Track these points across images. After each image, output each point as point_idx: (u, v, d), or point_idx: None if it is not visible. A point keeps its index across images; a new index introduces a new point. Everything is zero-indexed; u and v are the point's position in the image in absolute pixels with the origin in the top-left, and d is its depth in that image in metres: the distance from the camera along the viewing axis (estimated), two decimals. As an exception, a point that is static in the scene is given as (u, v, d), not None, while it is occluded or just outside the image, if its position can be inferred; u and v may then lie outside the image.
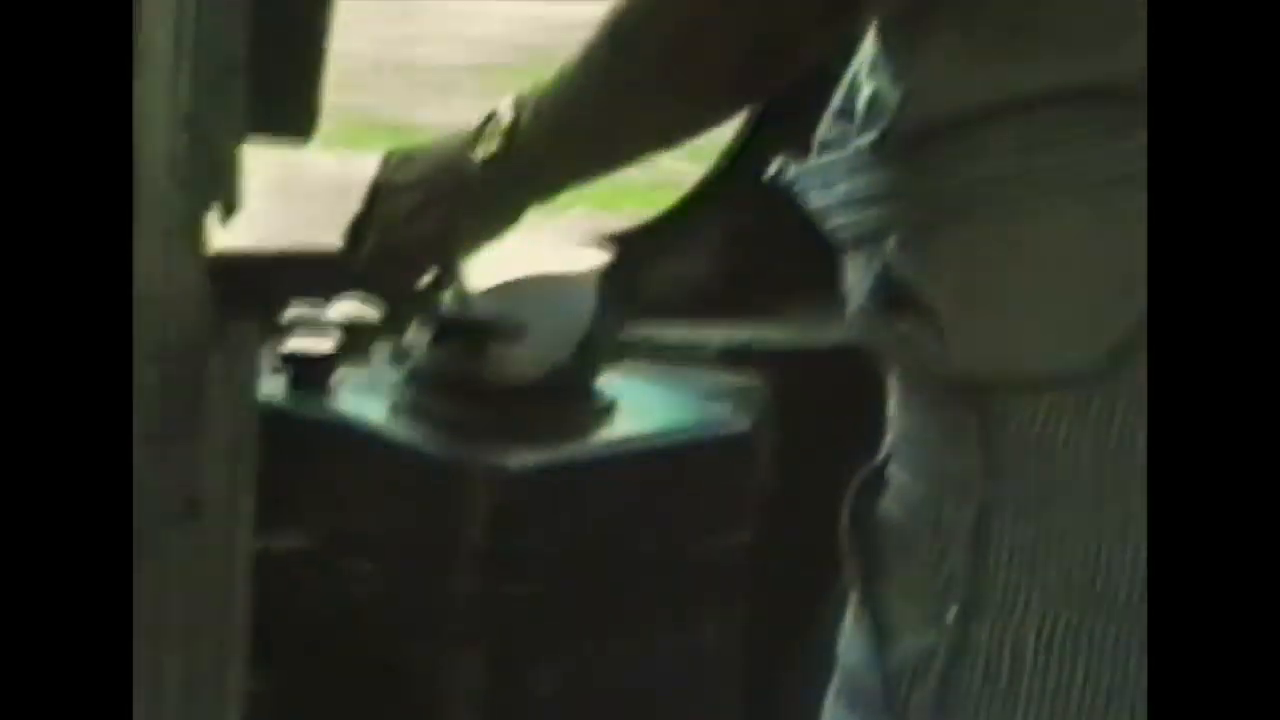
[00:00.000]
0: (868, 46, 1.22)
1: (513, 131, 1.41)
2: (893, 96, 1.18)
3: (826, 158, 1.23)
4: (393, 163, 1.59)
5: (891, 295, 1.18)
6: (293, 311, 1.79)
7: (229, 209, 1.36)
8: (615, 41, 1.27)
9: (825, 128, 1.25)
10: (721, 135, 2.16)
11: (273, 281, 1.85)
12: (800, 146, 1.26)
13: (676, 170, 2.08)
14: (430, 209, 1.52)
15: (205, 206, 1.33)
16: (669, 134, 1.33)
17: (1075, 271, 1.13)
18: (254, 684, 1.51)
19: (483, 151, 1.44)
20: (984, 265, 1.15)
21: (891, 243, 1.17)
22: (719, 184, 2.24)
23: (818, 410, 1.95)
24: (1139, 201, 1.09)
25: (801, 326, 2.15)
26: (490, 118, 1.44)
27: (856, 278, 1.22)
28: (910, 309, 1.17)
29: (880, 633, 1.21)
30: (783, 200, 2.15)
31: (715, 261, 2.23)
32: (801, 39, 1.20)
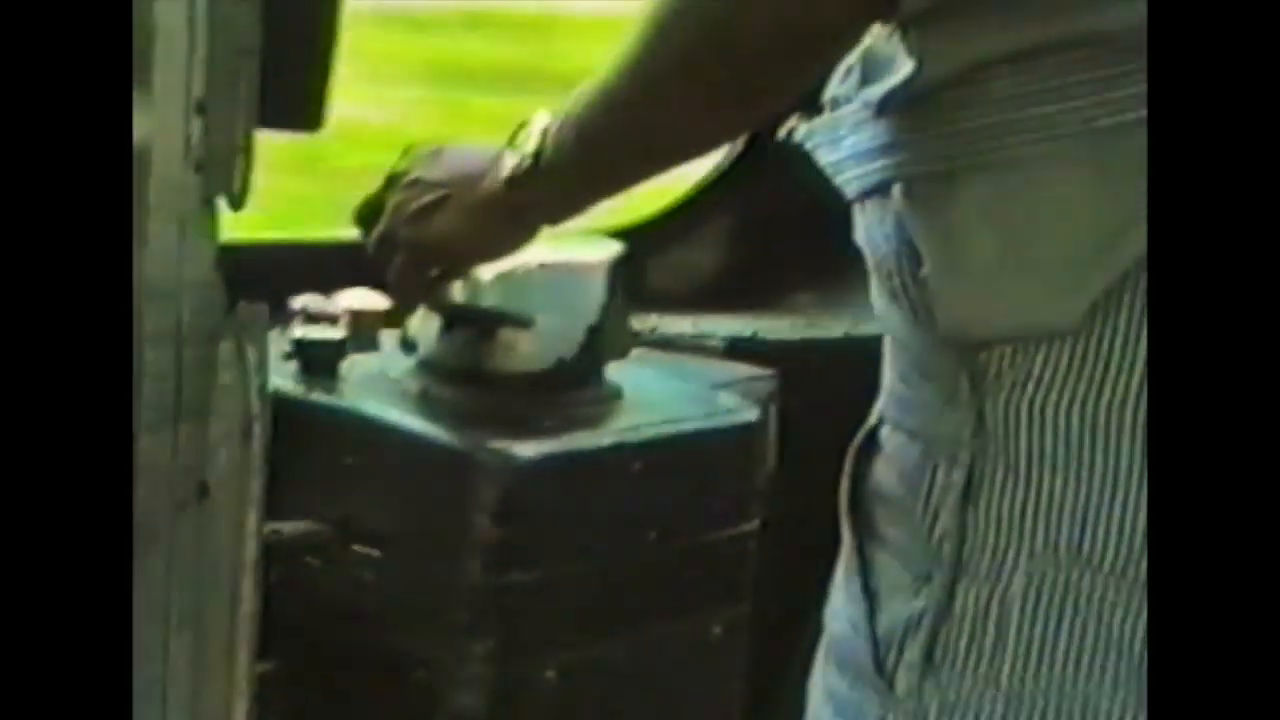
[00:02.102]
0: None
1: (540, 151, 1.42)
2: (898, 53, 1.19)
3: (835, 113, 1.25)
4: (417, 155, 1.59)
5: (896, 248, 1.20)
6: (302, 299, 1.79)
7: (241, 195, 1.36)
8: (648, 45, 1.27)
9: (834, 85, 1.27)
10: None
11: (283, 269, 1.86)
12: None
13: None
14: (446, 210, 1.53)
15: (218, 193, 1.33)
16: (700, 139, 1.34)
17: (1061, 222, 1.15)
18: (262, 669, 1.51)
19: (510, 168, 1.45)
20: (977, 217, 1.17)
21: (897, 193, 1.19)
22: (727, 177, 2.24)
23: (825, 401, 1.95)
24: (1130, 151, 1.10)
25: (808, 318, 2.16)
26: (520, 129, 1.44)
27: (867, 231, 1.24)
28: (913, 261, 1.19)
29: (869, 597, 1.23)
30: (789, 193, 2.16)
31: (722, 254, 2.24)
32: (839, 30, 1.21)
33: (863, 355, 2.00)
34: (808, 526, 1.83)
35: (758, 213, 2.24)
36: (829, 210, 1.38)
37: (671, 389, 1.82)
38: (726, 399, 1.82)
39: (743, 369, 1.94)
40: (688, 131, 1.32)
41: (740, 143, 2.24)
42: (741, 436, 1.78)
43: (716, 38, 1.23)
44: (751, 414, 1.79)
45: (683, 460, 1.73)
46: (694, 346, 2.02)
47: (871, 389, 1.46)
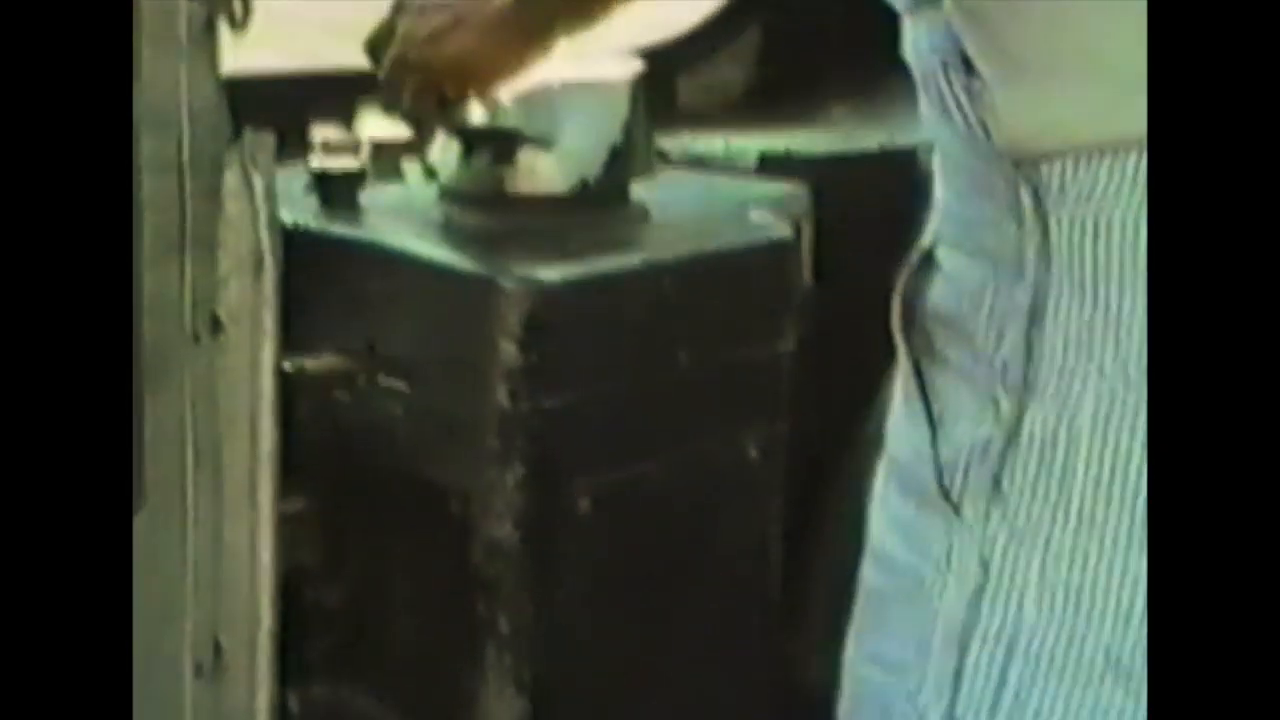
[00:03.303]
0: None
1: None
2: None
3: None
4: None
5: (948, 60, 1.16)
6: (320, 130, 1.75)
7: (243, 19, 1.32)
8: None
9: None
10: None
11: (299, 99, 1.83)
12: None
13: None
14: (458, 30, 1.49)
15: (218, 16, 1.29)
16: None
17: (1124, 31, 1.10)
18: (290, 505, 1.49)
19: None
20: (1034, 26, 1.12)
21: (948, 3, 1.15)
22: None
23: (861, 215, 1.91)
24: None
25: (842, 131, 2.11)
26: None
27: (915, 43, 1.19)
28: (967, 73, 1.15)
29: (932, 421, 1.19)
30: (818, 5, 2.11)
31: (753, 69, 2.19)
32: None
33: (899, 167, 1.97)
34: (845, 344, 1.81)
35: (787, 27, 2.19)
36: (859, 22, 1.34)
37: (702, 207, 1.79)
38: (759, 216, 1.78)
39: (776, 185, 1.90)
40: None
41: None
42: (774, 253, 1.74)
43: None
44: (785, 230, 1.76)
45: (714, 279, 1.70)
46: (725, 164, 1.98)
47: (908, 202, 1.42)
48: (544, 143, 1.66)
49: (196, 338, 1.26)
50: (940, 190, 1.22)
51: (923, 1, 1.17)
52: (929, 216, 1.25)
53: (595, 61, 1.71)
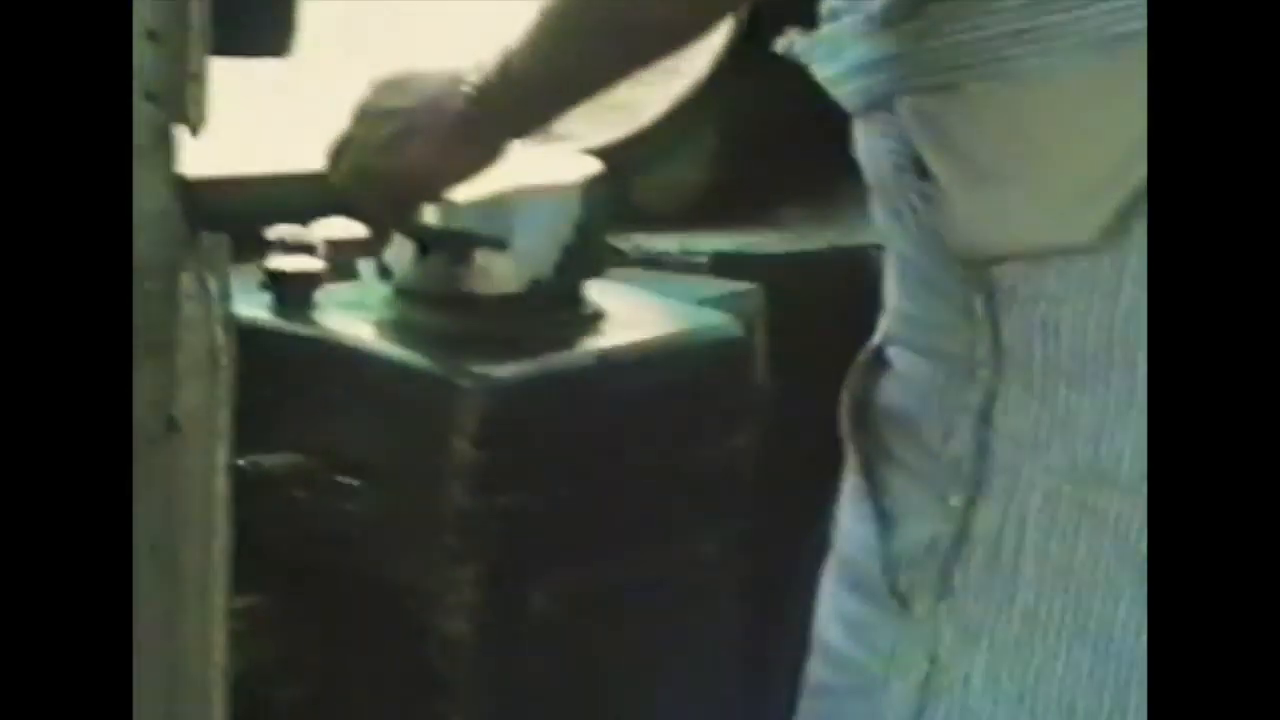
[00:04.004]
0: None
1: (506, 62, 1.40)
2: None
3: (834, 25, 1.22)
4: (379, 85, 1.57)
5: (900, 163, 1.17)
6: (277, 230, 1.77)
7: (197, 123, 1.34)
8: None
9: None
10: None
11: (256, 201, 1.84)
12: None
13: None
14: (412, 138, 1.51)
15: (173, 121, 1.31)
16: (669, 27, 1.32)
17: (1078, 136, 1.13)
18: (243, 604, 1.49)
19: (473, 82, 1.43)
20: (987, 131, 1.14)
21: (901, 107, 1.17)
22: (708, 93, 2.22)
23: (813, 314, 1.93)
24: (1143, 61, 1.08)
25: (794, 232, 2.13)
26: (485, 51, 1.42)
27: (868, 146, 1.21)
28: (920, 177, 1.17)
29: (882, 518, 1.21)
30: (772, 107, 2.14)
31: (706, 170, 2.21)
32: None
33: (850, 267, 1.99)
34: (800, 441, 1.82)
35: (741, 128, 2.21)
36: (812, 123, 1.36)
37: (655, 306, 1.80)
38: (712, 315, 1.80)
39: (729, 284, 1.92)
40: (661, 20, 1.30)
41: (721, 58, 2.21)
42: (728, 352, 1.76)
43: None
44: (738, 329, 1.77)
45: (669, 378, 1.71)
46: (679, 263, 2.00)
47: (859, 301, 1.43)
48: (498, 243, 1.67)
49: (152, 440, 1.27)
50: (892, 290, 1.24)
51: (875, 105, 1.19)
52: (880, 316, 1.27)
53: (549, 163, 1.72)
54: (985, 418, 1.17)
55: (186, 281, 1.29)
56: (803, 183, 2.17)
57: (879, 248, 1.45)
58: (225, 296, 1.31)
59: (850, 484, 1.27)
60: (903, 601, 1.19)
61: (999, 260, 1.15)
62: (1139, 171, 1.11)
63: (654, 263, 1.98)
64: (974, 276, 1.16)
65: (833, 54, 1.23)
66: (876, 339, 1.27)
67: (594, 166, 1.75)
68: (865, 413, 1.26)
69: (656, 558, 1.71)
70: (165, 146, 1.30)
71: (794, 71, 1.27)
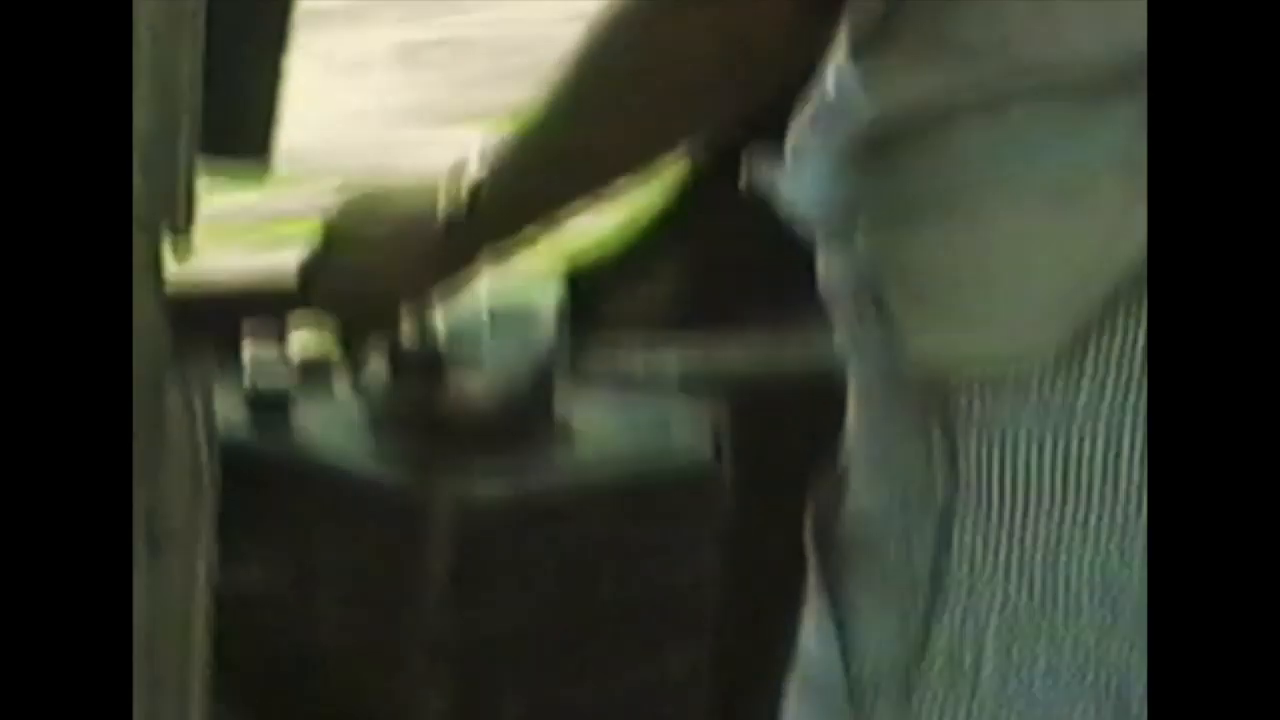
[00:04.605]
0: (837, 52, 1.23)
1: (479, 185, 1.42)
2: (860, 100, 1.19)
3: (798, 162, 1.25)
4: (349, 208, 1.58)
5: (857, 291, 1.20)
6: (252, 347, 1.78)
7: (186, 244, 1.35)
8: (582, 66, 1.28)
9: (796, 133, 1.27)
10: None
11: (230, 314, 1.85)
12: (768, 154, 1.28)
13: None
14: (389, 269, 1.52)
15: (162, 241, 1.32)
16: (641, 157, 1.34)
17: (1032, 271, 1.16)
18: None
19: (447, 208, 1.45)
20: (943, 265, 1.17)
21: (859, 239, 1.19)
22: (677, 212, 2.24)
23: (783, 433, 1.94)
24: (1099, 199, 1.11)
25: (763, 350, 2.15)
26: (456, 171, 1.44)
27: (829, 272, 1.24)
28: (875, 305, 1.19)
29: (844, 638, 1.22)
30: (741, 227, 2.15)
31: (674, 288, 2.23)
32: (775, 49, 1.22)
33: (820, 387, 2.00)
34: (768, 562, 1.83)
35: (709, 248, 2.23)
36: (783, 243, 1.37)
37: (625, 425, 1.81)
38: (681, 434, 1.81)
39: (697, 404, 1.93)
40: (628, 149, 1.32)
41: (688, 176, 2.23)
42: (697, 473, 1.77)
43: (652, 61, 1.23)
44: (707, 449, 1.79)
45: (639, 498, 1.72)
46: (647, 381, 2.01)
47: (828, 420, 1.45)
48: (471, 363, 1.68)
49: (135, 559, 1.28)
50: (852, 413, 1.26)
51: (834, 234, 1.22)
52: (843, 438, 1.29)
53: (520, 284, 1.74)
54: (941, 540, 1.18)
55: (172, 401, 1.30)
56: (770, 302, 2.19)
57: (844, 370, 1.47)
58: (210, 416, 1.32)
59: (812, 604, 1.28)
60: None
61: (954, 385, 1.18)
62: (1092, 298, 1.13)
63: (623, 381, 1.99)
64: (930, 400, 1.18)
65: (795, 188, 1.25)
66: (841, 460, 1.29)
67: (563, 286, 1.77)
68: (828, 531, 1.27)
69: (627, 677, 1.71)
70: (155, 267, 1.31)
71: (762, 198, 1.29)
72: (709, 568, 1.75)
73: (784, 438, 1.94)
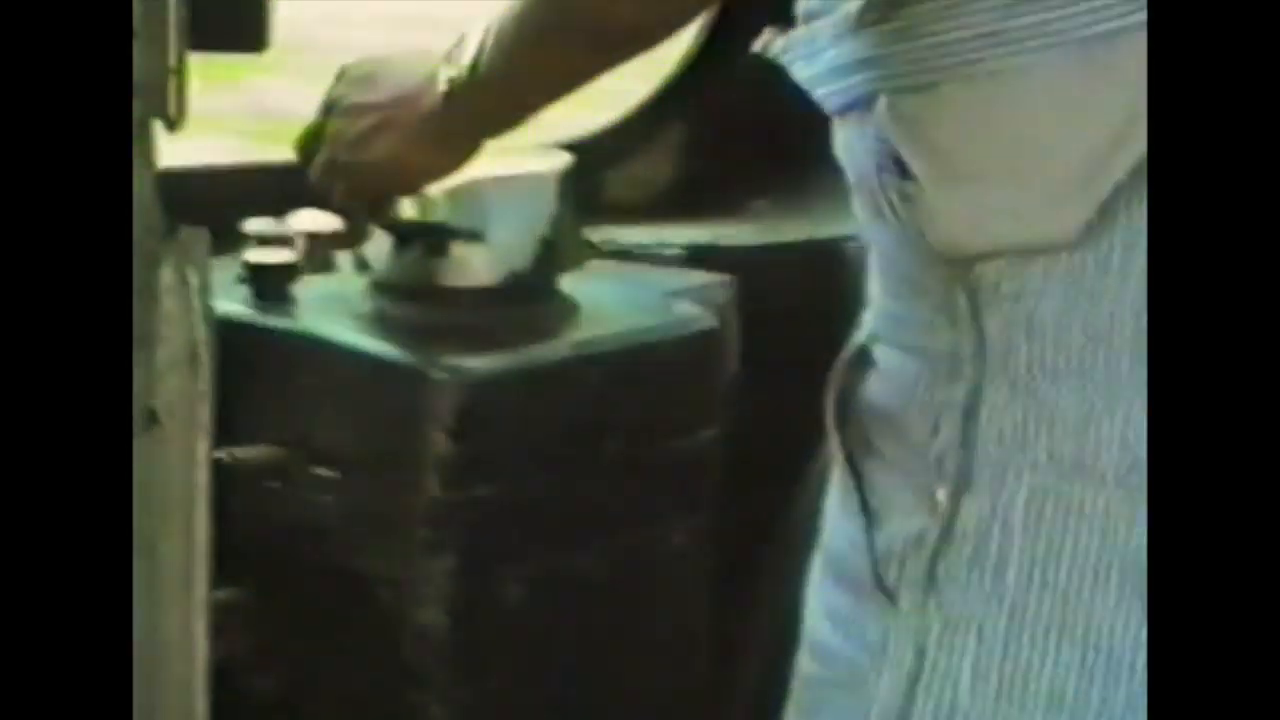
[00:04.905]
0: None
1: (477, 59, 1.40)
2: None
3: (811, 26, 1.23)
4: (351, 77, 1.58)
5: (880, 162, 1.18)
6: (253, 223, 1.78)
7: (178, 118, 1.34)
8: None
9: None
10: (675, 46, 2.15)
11: (227, 192, 1.85)
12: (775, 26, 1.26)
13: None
14: (386, 133, 1.51)
15: (151, 116, 1.32)
16: (642, 23, 1.32)
17: (1056, 133, 1.13)
18: (221, 595, 1.50)
19: (445, 79, 1.43)
20: (966, 129, 1.15)
21: (880, 107, 1.17)
22: (679, 86, 2.23)
23: (785, 306, 1.94)
24: (1123, 56, 1.09)
25: (766, 224, 2.15)
26: (458, 43, 1.43)
27: (848, 145, 1.21)
28: (900, 176, 1.17)
29: (868, 513, 1.21)
30: (743, 101, 2.15)
31: (678, 163, 2.23)
32: None
33: (822, 259, 2.00)
34: (769, 433, 1.83)
35: (712, 121, 2.22)
36: (783, 116, 1.36)
37: (628, 299, 1.81)
38: (684, 307, 1.81)
39: (701, 276, 1.93)
40: (628, 18, 1.30)
41: (692, 51, 2.22)
42: (700, 344, 1.77)
43: None
44: (710, 321, 1.78)
45: (641, 369, 1.72)
46: (651, 256, 2.01)
47: (830, 292, 1.45)
48: (474, 236, 1.68)
49: (133, 433, 1.28)
50: (874, 287, 1.24)
51: (854, 105, 1.19)
52: (862, 311, 1.27)
53: (522, 156, 1.73)
54: (970, 414, 1.17)
55: (166, 276, 1.30)
56: (773, 175, 2.18)
57: (851, 240, 1.46)
58: (205, 291, 1.32)
59: (835, 480, 1.27)
60: (890, 596, 1.19)
61: (981, 258, 1.15)
62: (1119, 167, 1.11)
63: (626, 255, 1.99)
64: (956, 274, 1.16)
65: (810, 55, 1.22)
66: (860, 336, 1.27)
67: (567, 160, 1.76)
68: (849, 409, 1.26)
69: (628, 546, 1.72)
70: (145, 140, 1.31)
71: (764, 67, 1.27)
72: (711, 438, 1.75)
73: (789, 309, 1.95)
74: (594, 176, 2.06)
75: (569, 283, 1.76)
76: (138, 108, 1.28)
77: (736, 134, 2.21)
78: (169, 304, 1.30)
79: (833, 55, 1.20)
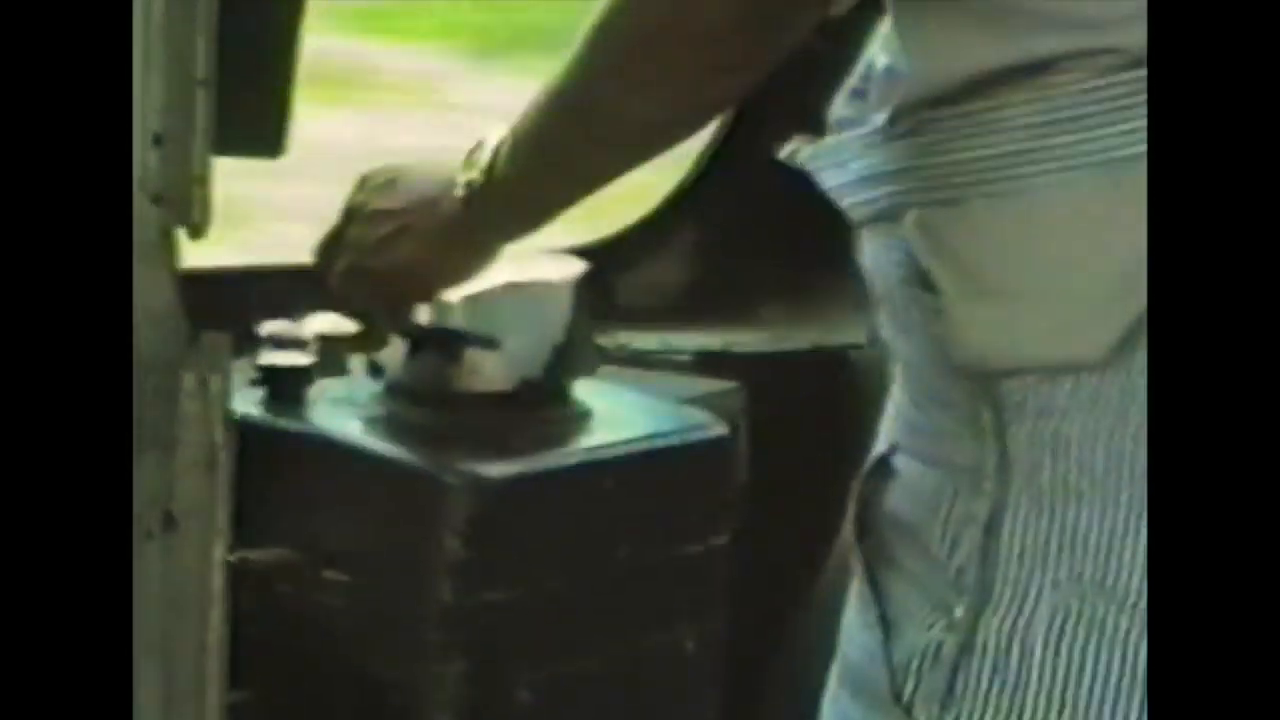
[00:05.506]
0: (883, 23, 1.21)
1: (494, 165, 1.41)
2: (905, 72, 1.16)
3: (841, 136, 1.22)
4: (371, 184, 1.59)
5: (906, 275, 1.17)
6: (269, 325, 1.79)
7: (201, 225, 1.36)
8: (595, 38, 1.27)
9: (839, 106, 1.23)
10: (691, 146, 2.17)
11: (246, 295, 1.86)
12: (789, 137, 1.26)
13: (646, 184, 2.08)
14: (406, 239, 1.52)
15: (177, 223, 1.33)
16: (658, 127, 1.32)
17: (1087, 253, 1.12)
18: (233, 698, 1.51)
19: (464, 184, 1.44)
20: (994, 246, 1.13)
21: (908, 220, 1.16)
22: (691, 192, 2.25)
23: (795, 413, 1.95)
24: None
25: (776, 331, 2.16)
26: (476, 148, 1.44)
27: (874, 256, 1.20)
28: (925, 290, 1.16)
29: (887, 625, 1.20)
30: (755, 207, 2.17)
31: (689, 269, 2.24)
32: (788, 13, 1.20)
33: (831, 367, 2.01)
34: (779, 539, 1.84)
35: (723, 227, 2.24)
36: (795, 222, 1.38)
37: (641, 405, 1.82)
38: (696, 413, 1.82)
39: (712, 383, 1.94)
40: (644, 119, 1.30)
41: (704, 157, 2.24)
42: (712, 451, 1.78)
43: (674, 12, 1.21)
44: (721, 428, 1.79)
45: (653, 476, 1.73)
46: (663, 361, 2.02)
47: (840, 400, 1.46)
48: (489, 343, 1.69)
49: (150, 534, 1.29)
50: (898, 397, 1.23)
51: (881, 216, 1.19)
52: (878, 420, 1.26)
53: (537, 263, 1.75)
54: (991, 530, 1.15)
55: (187, 380, 1.32)
56: (784, 282, 2.19)
57: (859, 348, 1.47)
58: (225, 395, 1.33)
59: (854, 590, 1.26)
60: (907, 710, 1.18)
61: (1007, 374, 1.15)
62: (1145, 290, 1.11)
63: (638, 361, 2.00)
64: (981, 390, 1.15)
65: (838, 164, 1.21)
66: (881, 445, 1.26)
67: (581, 266, 1.77)
68: (869, 520, 1.25)
69: (637, 652, 1.72)
70: (168, 247, 1.32)
71: (775, 172, 1.27)
72: (721, 544, 1.76)
73: (798, 415, 1.96)
74: (606, 282, 2.07)
75: (582, 388, 1.77)
76: (163, 217, 1.30)
77: (748, 240, 2.22)
78: (189, 407, 1.32)
79: (862, 165, 1.19)
